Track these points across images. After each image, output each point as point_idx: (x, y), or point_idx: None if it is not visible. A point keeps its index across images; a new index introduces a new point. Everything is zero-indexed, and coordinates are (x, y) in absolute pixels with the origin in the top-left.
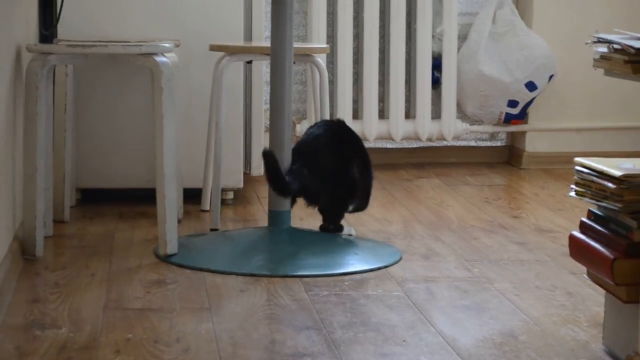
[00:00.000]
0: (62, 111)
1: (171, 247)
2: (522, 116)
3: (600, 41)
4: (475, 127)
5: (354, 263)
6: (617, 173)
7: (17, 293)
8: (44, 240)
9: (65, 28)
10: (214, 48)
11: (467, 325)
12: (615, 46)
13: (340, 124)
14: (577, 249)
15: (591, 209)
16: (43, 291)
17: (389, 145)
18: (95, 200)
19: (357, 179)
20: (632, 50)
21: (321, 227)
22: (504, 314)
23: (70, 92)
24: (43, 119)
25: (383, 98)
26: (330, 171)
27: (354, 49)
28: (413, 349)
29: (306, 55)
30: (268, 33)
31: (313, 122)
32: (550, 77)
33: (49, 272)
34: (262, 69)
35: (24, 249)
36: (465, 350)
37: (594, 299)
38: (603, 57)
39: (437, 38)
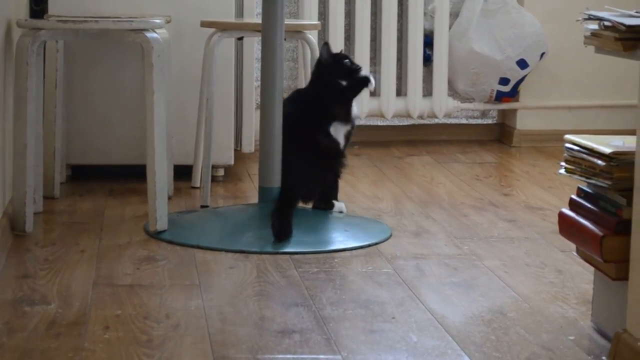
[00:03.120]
0: (52, 87)
1: (161, 224)
2: (514, 94)
3: (591, 18)
4: (466, 105)
5: (344, 240)
6: (606, 150)
7: (6, 269)
8: (33, 216)
9: (55, 3)
10: (205, 24)
11: (456, 303)
12: (606, 23)
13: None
14: (566, 227)
15: (581, 186)
16: (32, 267)
17: (380, 123)
18: (86, 176)
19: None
20: (623, 28)
21: (313, 205)
22: (493, 291)
23: (60, 68)
24: (33, 95)
25: (374, 75)
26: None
27: (345, 26)
28: (402, 326)
29: (297, 32)
30: (259, 9)
31: None
32: (542, 54)
33: (39, 248)
34: (254, 45)
35: (13, 225)
36: (454, 327)
37: (583, 276)
38: (594, 35)
39: (428, 15)
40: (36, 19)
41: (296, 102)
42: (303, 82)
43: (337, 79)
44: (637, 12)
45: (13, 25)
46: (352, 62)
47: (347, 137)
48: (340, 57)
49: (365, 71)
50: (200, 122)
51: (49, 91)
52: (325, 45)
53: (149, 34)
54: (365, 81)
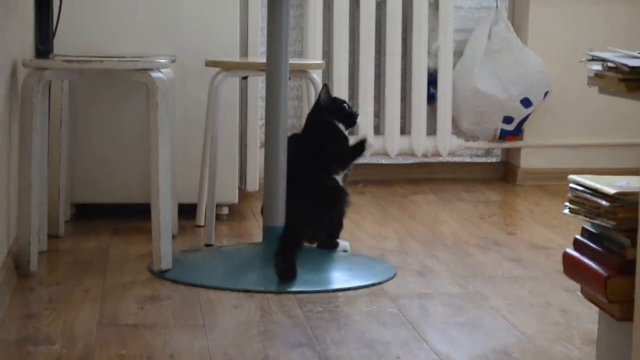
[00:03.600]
0: (57, 126)
1: (165, 263)
2: (517, 132)
3: (595, 59)
4: (470, 143)
5: (348, 279)
6: (610, 191)
7: (11, 308)
8: (38, 255)
9: (61, 43)
10: (209, 64)
11: (461, 342)
12: (610, 64)
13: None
14: (570, 266)
15: (585, 226)
16: (37, 307)
17: (384, 161)
18: (90, 215)
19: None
20: (626, 69)
21: (318, 244)
22: (497, 331)
23: (65, 107)
24: (38, 134)
25: (379, 114)
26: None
27: (349, 65)
28: None
29: (302, 71)
30: (264, 48)
31: None
32: (546, 93)
33: (43, 288)
34: (258, 84)
35: (18, 264)
36: None
37: (587, 316)
38: (597, 75)
39: (432, 54)
40: (42, 59)
41: (296, 144)
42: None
43: (335, 120)
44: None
45: (19, 65)
46: (349, 107)
47: (345, 175)
48: (338, 100)
49: (365, 130)
50: (205, 161)
51: (53, 130)
52: (324, 87)
53: (154, 74)
54: (362, 147)
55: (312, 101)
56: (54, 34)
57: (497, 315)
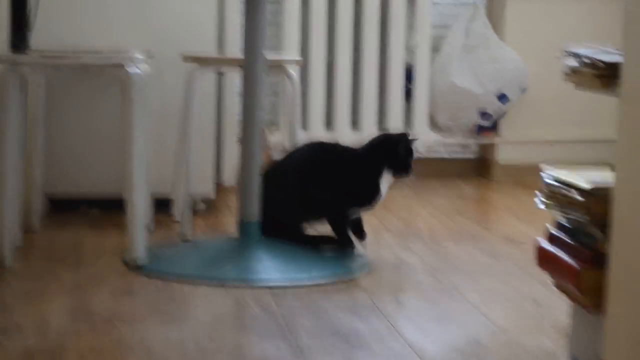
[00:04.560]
0: (33, 121)
1: (140, 256)
2: (494, 128)
3: (571, 55)
4: (447, 139)
5: (323, 273)
6: (584, 185)
7: None
8: (13, 249)
9: (37, 38)
10: (186, 59)
11: (435, 335)
12: (585, 60)
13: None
14: (544, 259)
15: (558, 219)
16: (11, 300)
17: None
18: (65, 209)
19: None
20: (602, 65)
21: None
22: (471, 323)
23: (41, 102)
24: (14, 129)
25: (355, 109)
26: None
27: (326, 61)
28: (381, 358)
29: (279, 67)
30: (241, 44)
31: (286, 132)
32: (523, 89)
33: (18, 282)
34: (235, 79)
35: None
36: (432, 359)
37: (561, 308)
38: (573, 71)
39: (410, 50)
40: (17, 54)
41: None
42: (283, 116)
43: (384, 172)
44: (615, 50)
45: None
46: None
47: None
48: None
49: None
50: (181, 155)
51: (30, 125)
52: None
53: (130, 69)
54: (345, 241)
55: (289, 97)
56: (30, 29)
57: (471, 308)
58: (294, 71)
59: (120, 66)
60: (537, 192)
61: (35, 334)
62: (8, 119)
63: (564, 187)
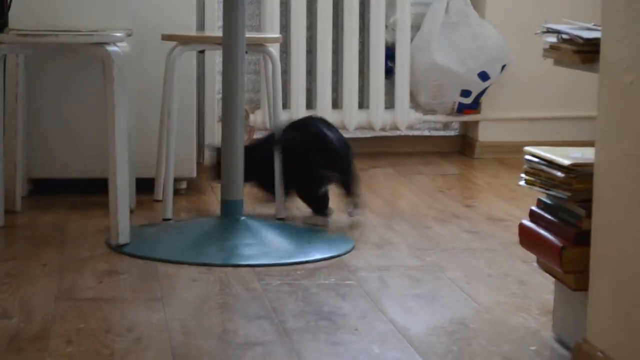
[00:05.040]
0: (13, 101)
1: (123, 237)
2: (475, 106)
3: (550, 31)
4: (428, 117)
5: (307, 252)
6: (565, 162)
7: None
8: None
9: (16, 17)
10: (166, 38)
11: (419, 314)
12: (564, 36)
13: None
14: (527, 238)
15: (541, 197)
16: None
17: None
18: (48, 190)
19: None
20: (581, 40)
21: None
22: (455, 302)
23: (21, 81)
24: None
25: (337, 88)
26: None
27: (307, 39)
28: (365, 338)
29: (259, 45)
30: (220, 23)
31: (266, 112)
32: (503, 67)
33: (0, 263)
34: (215, 58)
35: None
36: (416, 338)
37: (544, 287)
38: (552, 47)
39: (390, 28)
40: None
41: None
42: (264, 95)
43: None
44: (594, 25)
45: None
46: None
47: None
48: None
49: None
50: (162, 135)
51: (9, 105)
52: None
53: (110, 48)
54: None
55: (270, 75)
56: (8, 8)
57: (454, 287)
58: (274, 50)
59: (100, 45)
60: (521, 172)
61: (20, 317)
62: None
63: (545, 163)
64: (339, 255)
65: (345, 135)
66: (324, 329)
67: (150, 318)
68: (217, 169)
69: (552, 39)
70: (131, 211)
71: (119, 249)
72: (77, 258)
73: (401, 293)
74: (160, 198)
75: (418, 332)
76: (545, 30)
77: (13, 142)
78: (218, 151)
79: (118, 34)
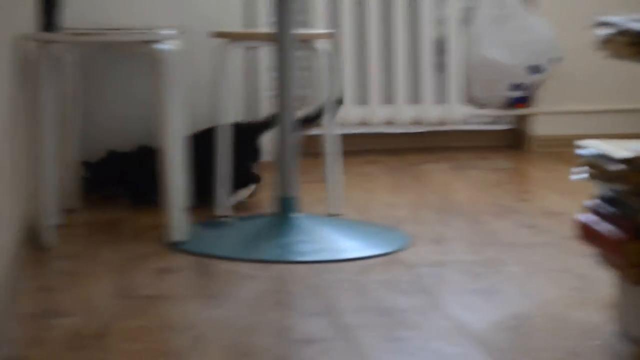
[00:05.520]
0: (67, 99)
1: (180, 234)
2: (527, 100)
3: (604, 24)
4: (480, 111)
5: (363, 248)
6: (623, 155)
7: (28, 282)
8: (53, 229)
9: (69, 16)
10: (215, 35)
11: (479, 309)
12: (619, 29)
13: None
14: (584, 232)
15: (597, 191)
16: (54, 280)
17: (394, 130)
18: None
19: None
20: (635, 33)
21: None
22: (515, 297)
23: (74, 80)
24: (48, 108)
25: (387, 83)
26: None
27: (356, 34)
28: (425, 334)
29: (308, 41)
30: (269, 19)
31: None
32: (555, 60)
33: (59, 261)
34: (265, 55)
35: (33, 238)
36: (477, 334)
37: (605, 281)
38: (607, 40)
39: (441, 22)
40: (49, 32)
41: None
42: (316, 91)
43: None
44: None
45: (27, 39)
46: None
47: None
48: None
49: None
50: None
51: (63, 104)
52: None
53: (161, 46)
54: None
55: (320, 71)
56: (61, 7)
57: (514, 282)
58: (324, 45)
59: (150, 43)
60: (576, 165)
61: (81, 315)
62: (42, 98)
63: (602, 157)
64: (395, 251)
65: (397, 130)
66: (383, 324)
67: (209, 315)
68: (91, 184)
69: (607, 31)
70: (187, 208)
71: (175, 247)
72: (135, 256)
73: (460, 288)
74: (217, 195)
75: (479, 328)
76: (599, 22)
77: (68, 141)
78: (88, 166)
79: (169, 32)
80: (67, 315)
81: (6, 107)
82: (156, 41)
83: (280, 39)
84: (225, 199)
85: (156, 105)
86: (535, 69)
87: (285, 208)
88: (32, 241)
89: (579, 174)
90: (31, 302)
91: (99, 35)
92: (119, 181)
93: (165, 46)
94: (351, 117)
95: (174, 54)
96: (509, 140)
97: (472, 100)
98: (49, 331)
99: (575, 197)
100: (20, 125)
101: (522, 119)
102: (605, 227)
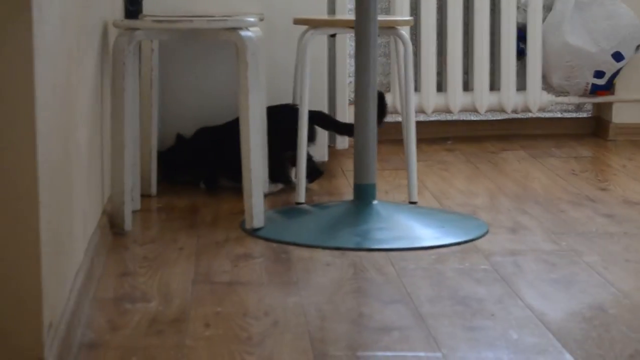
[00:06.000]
0: (148, 86)
1: (257, 221)
2: (609, 87)
3: None
4: (560, 99)
5: (440, 236)
6: None
7: (107, 267)
8: (132, 214)
9: (150, 3)
10: (298, 21)
11: (556, 299)
12: None
13: None
14: None
15: None
16: (132, 265)
17: (474, 118)
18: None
19: None
20: None
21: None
22: (593, 287)
23: (155, 67)
24: (130, 95)
25: (467, 70)
26: None
27: (437, 21)
28: (502, 323)
29: (390, 28)
30: (351, 6)
31: (397, 95)
32: (638, 47)
33: (138, 246)
34: (346, 42)
35: (112, 224)
36: (554, 324)
37: None
38: None
39: (521, 9)
40: (132, 20)
41: None
42: (396, 78)
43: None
44: None
45: (109, 26)
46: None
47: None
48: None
49: None
50: None
51: (144, 90)
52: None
53: (243, 33)
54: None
55: (402, 58)
56: None
57: (591, 272)
58: (405, 32)
59: (233, 30)
60: None
61: (159, 300)
62: (124, 84)
63: None
64: (472, 240)
65: (477, 118)
66: (460, 314)
67: (286, 302)
68: (165, 171)
69: None
70: (265, 195)
71: (253, 233)
72: (212, 241)
73: (537, 278)
74: (294, 181)
75: (556, 318)
76: None
77: (148, 127)
78: (161, 154)
79: (251, 19)
80: (145, 300)
81: (92, 96)
82: (240, 28)
83: (363, 26)
84: (303, 186)
85: (239, 92)
86: (619, 56)
87: (364, 195)
88: (112, 226)
89: None
90: (110, 287)
91: (182, 22)
92: (190, 166)
93: (249, 33)
94: (430, 104)
95: (257, 40)
96: (589, 128)
97: (552, 88)
98: (127, 316)
99: None
100: (104, 113)
101: (602, 106)
102: None
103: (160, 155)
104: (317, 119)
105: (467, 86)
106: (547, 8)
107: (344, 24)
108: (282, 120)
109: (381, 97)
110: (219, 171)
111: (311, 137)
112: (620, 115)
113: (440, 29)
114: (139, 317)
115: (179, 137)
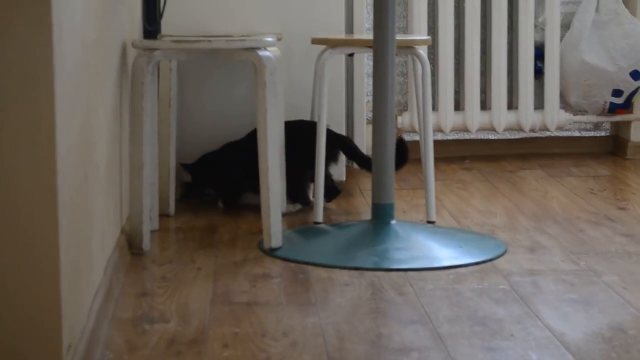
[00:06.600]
0: (166, 106)
1: (276, 241)
2: (627, 106)
3: None
4: (578, 117)
5: (458, 256)
6: None
7: (125, 287)
8: (150, 234)
9: (168, 24)
10: (315, 41)
11: (575, 320)
12: None
13: None
14: None
15: None
16: (150, 285)
17: (491, 137)
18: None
19: None
20: None
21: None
22: (612, 307)
23: (174, 86)
24: (149, 114)
25: (485, 89)
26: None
27: (455, 40)
28: (521, 344)
29: (408, 47)
30: (369, 25)
31: (415, 114)
32: None
33: (156, 266)
34: (364, 61)
35: (131, 243)
36: (574, 344)
37: None
38: None
39: (539, 27)
40: (151, 40)
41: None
42: (414, 97)
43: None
44: None
45: (128, 46)
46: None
47: None
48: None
49: None
50: None
51: (163, 110)
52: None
53: (261, 52)
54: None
55: (419, 77)
56: (161, 15)
57: (611, 292)
58: (423, 51)
59: (251, 50)
60: None
61: (177, 321)
62: (143, 104)
63: None
64: (491, 259)
65: (494, 136)
66: (479, 334)
67: (305, 322)
68: (188, 187)
69: None
70: (283, 215)
71: (271, 253)
72: (231, 261)
73: (556, 298)
74: (312, 201)
75: (575, 338)
76: None
77: (166, 147)
78: (185, 167)
79: (269, 39)
80: (164, 320)
81: (111, 114)
82: (258, 48)
83: (381, 45)
84: (321, 205)
85: (257, 112)
86: (637, 75)
87: (382, 215)
88: (131, 246)
89: None
90: (128, 307)
91: (201, 42)
92: (215, 181)
93: (267, 53)
94: (448, 123)
95: (275, 60)
96: (607, 147)
97: (569, 106)
98: (146, 336)
99: None
100: (122, 132)
101: (620, 125)
102: None
103: (186, 167)
104: (344, 145)
105: (484, 105)
106: (565, 27)
107: (362, 44)
108: (302, 138)
109: (401, 143)
110: (246, 184)
111: (334, 158)
112: (639, 133)
113: (458, 48)
114: (158, 338)
115: (205, 154)
